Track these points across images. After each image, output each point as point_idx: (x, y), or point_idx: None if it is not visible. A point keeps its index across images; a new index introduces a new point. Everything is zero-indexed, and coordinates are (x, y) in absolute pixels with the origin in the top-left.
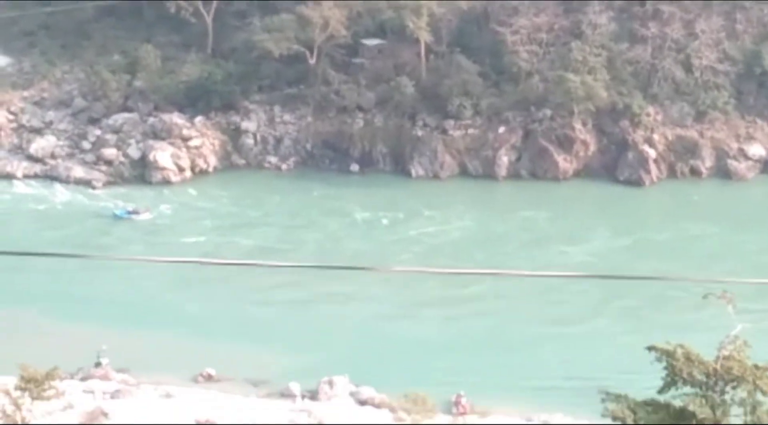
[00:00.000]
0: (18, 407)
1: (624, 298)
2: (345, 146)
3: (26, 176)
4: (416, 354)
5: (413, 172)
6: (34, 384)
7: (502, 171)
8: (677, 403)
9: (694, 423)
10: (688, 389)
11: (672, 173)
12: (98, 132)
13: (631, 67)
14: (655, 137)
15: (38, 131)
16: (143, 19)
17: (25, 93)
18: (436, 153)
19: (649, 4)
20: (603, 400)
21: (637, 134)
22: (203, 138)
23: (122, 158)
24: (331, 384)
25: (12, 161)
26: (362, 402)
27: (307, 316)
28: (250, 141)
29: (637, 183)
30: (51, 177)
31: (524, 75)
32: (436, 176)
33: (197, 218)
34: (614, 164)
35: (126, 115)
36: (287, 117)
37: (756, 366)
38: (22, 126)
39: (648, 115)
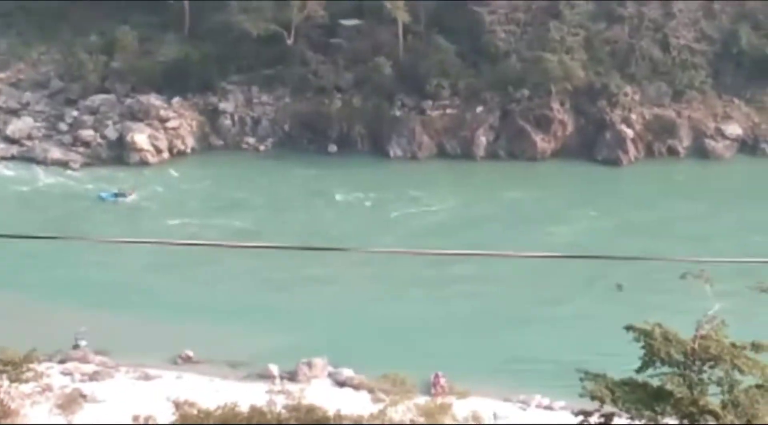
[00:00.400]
0: None
1: (609, 278)
2: (323, 126)
3: (3, 158)
4: (397, 336)
5: (391, 152)
6: (12, 367)
7: (480, 151)
8: (655, 382)
9: (671, 402)
10: (666, 368)
11: (649, 152)
12: (75, 113)
13: (609, 46)
14: (633, 116)
15: (15, 113)
16: (120, 0)
17: (2, 74)
18: (414, 134)
19: None
20: (581, 380)
21: (614, 113)
22: (181, 119)
23: (99, 140)
24: (309, 365)
25: None
26: (341, 384)
27: (288, 298)
28: (227, 122)
29: (615, 163)
30: (28, 159)
31: (502, 55)
32: (414, 157)
33: (179, 200)
34: (592, 144)
35: (103, 96)
36: (265, 98)
37: (733, 345)
38: None
39: (625, 94)
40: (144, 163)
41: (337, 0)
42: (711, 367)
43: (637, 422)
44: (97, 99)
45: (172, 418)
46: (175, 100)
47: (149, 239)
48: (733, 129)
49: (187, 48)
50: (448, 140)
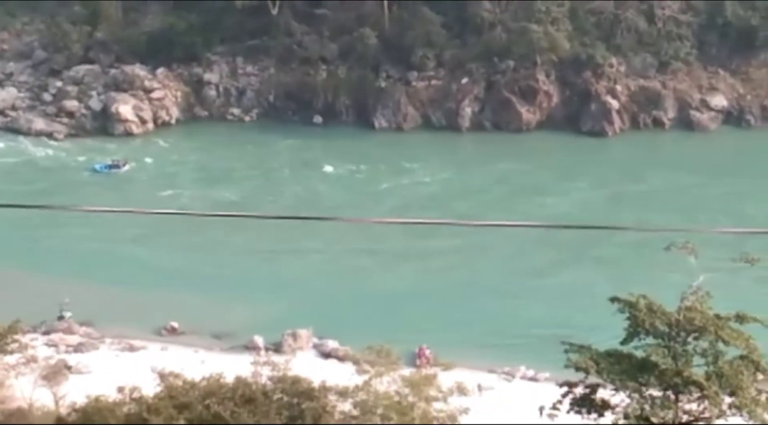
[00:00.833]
0: None
1: (601, 249)
2: (308, 97)
3: None
4: (383, 307)
5: (376, 123)
6: None
7: (466, 123)
8: (639, 354)
9: (656, 373)
10: (650, 339)
11: (635, 124)
12: (59, 84)
13: (594, 17)
14: (618, 88)
15: None
16: None
17: None
18: (399, 105)
19: None
20: (566, 351)
21: (600, 85)
22: (165, 90)
23: (84, 110)
24: (294, 336)
25: None
26: (326, 355)
27: (274, 269)
28: (212, 93)
29: (600, 134)
30: (12, 129)
31: (487, 26)
32: (399, 128)
33: (169, 171)
34: (577, 116)
35: (87, 66)
36: (250, 69)
37: (718, 317)
38: None
39: (611, 66)
40: (128, 134)
41: None
42: (695, 338)
43: (621, 393)
44: (81, 69)
45: (157, 389)
46: (160, 70)
47: (134, 208)
48: (718, 100)
49: (171, 18)
50: (433, 111)
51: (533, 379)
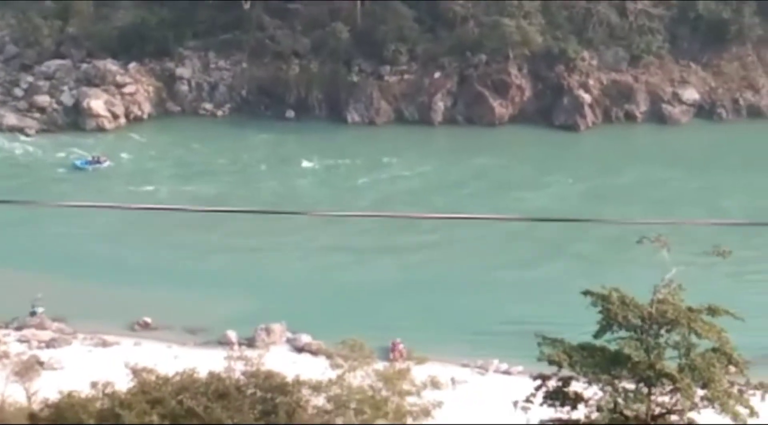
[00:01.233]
0: None
1: (578, 243)
2: (280, 92)
3: None
4: (357, 302)
5: (349, 118)
6: None
7: (438, 117)
8: (612, 347)
9: (628, 366)
10: (623, 333)
11: (607, 117)
12: (30, 79)
13: (566, 11)
14: (590, 81)
15: None
16: None
17: None
18: (371, 99)
19: None
20: (539, 345)
21: (572, 78)
22: (137, 85)
23: (55, 105)
24: (268, 331)
25: None
26: (299, 349)
27: (249, 264)
28: (184, 88)
29: (573, 128)
30: None
31: (459, 20)
32: (371, 122)
33: (146, 167)
34: (549, 109)
35: (59, 61)
36: (222, 63)
37: (690, 309)
38: None
39: (583, 60)
40: (100, 129)
41: None
42: (668, 331)
43: (594, 386)
44: (52, 64)
45: (130, 385)
46: (132, 65)
47: (106, 203)
48: (690, 94)
49: (143, 13)
50: (406, 105)
51: (506, 373)
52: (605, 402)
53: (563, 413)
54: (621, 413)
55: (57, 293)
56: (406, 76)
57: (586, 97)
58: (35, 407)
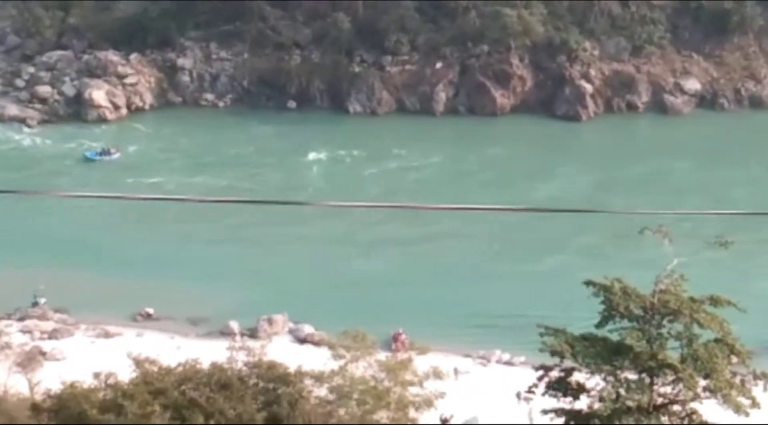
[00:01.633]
0: None
1: (585, 234)
2: (282, 82)
3: None
4: (361, 292)
5: (350, 108)
6: None
7: (440, 107)
8: (615, 337)
9: (630, 356)
10: (625, 323)
11: (608, 108)
12: (32, 70)
13: (568, 1)
14: (592, 72)
15: None
16: None
17: None
18: (373, 89)
19: None
20: (541, 335)
21: (573, 69)
22: (139, 75)
23: (57, 96)
24: (270, 321)
25: None
26: (301, 340)
27: (253, 255)
28: (186, 78)
29: (574, 118)
30: None
31: (461, 10)
32: (373, 113)
33: (152, 158)
34: (551, 100)
35: (60, 52)
36: (223, 54)
37: (692, 300)
38: None
39: (584, 50)
40: (102, 120)
41: None
42: (670, 321)
43: (596, 376)
44: (54, 55)
45: (133, 375)
46: (133, 56)
47: (107, 194)
48: (692, 84)
49: (144, 3)
50: (407, 95)
51: (509, 363)
52: (607, 393)
53: (565, 403)
54: (623, 403)
55: (59, 284)
56: (407, 67)
57: (588, 88)
58: (38, 398)
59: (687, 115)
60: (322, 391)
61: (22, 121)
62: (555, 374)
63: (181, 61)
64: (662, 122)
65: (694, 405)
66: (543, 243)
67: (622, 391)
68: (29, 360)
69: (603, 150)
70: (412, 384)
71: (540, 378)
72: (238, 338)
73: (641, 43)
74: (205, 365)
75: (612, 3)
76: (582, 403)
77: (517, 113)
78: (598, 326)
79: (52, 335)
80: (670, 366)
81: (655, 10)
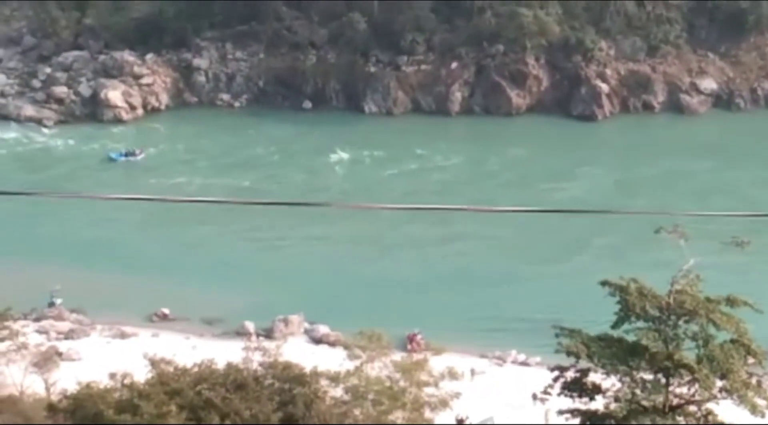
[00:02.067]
0: None
1: (607, 235)
2: (297, 82)
3: None
4: (378, 293)
5: (366, 108)
6: None
7: (455, 107)
8: (630, 338)
9: (646, 357)
10: (641, 323)
11: (624, 107)
12: (48, 70)
13: (584, 1)
14: (608, 71)
15: None
16: None
17: None
18: (389, 89)
19: None
20: (557, 336)
21: (589, 68)
22: (155, 76)
23: (73, 97)
24: (286, 322)
25: None
26: (317, 340)
27: (271, 255)
28: (201, 78)
29: (590, 118)
30: (1, 116)
31: (477, 10)
32: (389, 113)
33: (171, 158)
34: (567, 99)
35: (76, 53)
36: (239, 54)
37: (708, 300)
38: None
39: (600, 50)
40: (118, 120)
41: None
42: (686, 322)
43: (612, 377)
44: (70, 56)
45: (149, 375)
46: (149, 56)
47: (125, 195)
48: (708, 84)
49: (160, 4)
50: (423, 95)
51: (524, 364)
52: (623, 393)
53: (581, 403)
54: (639, 403)
55: (75, 285)
56: (423, 67)
57: (604, 87)
58: (54, 398)
59: (703, 114)
60: (337, 391)
61: (39, 121)
62: (571, 374)
63: (196, 62)
64: (678, 122)
65: (710, 405)
66: (561, 244)
67: (637, 391)
68: (45, 361)
69: (621, 150)
70: (427, 384)
71: (556, 379)
72: (253, 338)
73: (657, 42)
74: (220, 365)
75: (628, 2)
76: (598, 404)
77: (532, 113)
78: (614, 326)
79: (69, 335)
80: (686, 367)
81: (671, 10)
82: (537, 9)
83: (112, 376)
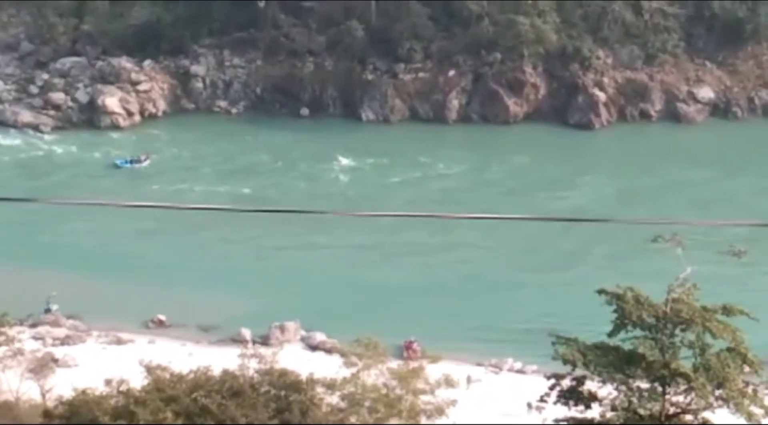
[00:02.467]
0: None
1: (606, 243)
2: (295, 90)
3: None
4: (375, 300)
5: (363, 116)
6: None
7: (453, 115)
8: (627, 346)
9: (643, 365)
10: (637, 332)
11: (622, 116)
12: (46, 76)
13: (581, 10)
14: (605, 80)
15: None
16: None
17: None
18: (386, 97)
19: None
20: (553, 344)
21: (587, 77)
22: (152, 82)
23: (70, 103)
24: (282, 329)
25: None
26: (313, 348)
27: (271, 263)
28: (199, 85)
29: (587, 126)
30: None
31: (474, 18)
32: (386, 120)
33: (174, 164)
34: (564, 108)
35: (74, 59)
36: (237, 61)
37: (705, 309)
38: None
39: (598, 58)
40: (115, 126)
41: None
42: (682, 330)
43: (608, 385)
44: (67, 62)
45: (145, 382)
46: (147, 63)
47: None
48: (705, 93)
49: (158, 10)
50: (420, 103)
51: (520, 372)
52: (619, 401)
53: (577, 412)
54: (635, 412)
55: (71, 291)
56: (420, 74)
57: (601, 96)
58: (50, 404)
59: (700, 123)
60: (333, 399)
61: (36, 127)
62: (567, 383)
63: (194, 68)
64: (675, 131)
65: (706, 414)
66: (559, 252)
67: (634, 400)
68: (41, 367)
69: (619, 159)
70: (423, 392)
71: (552, 387)
72: (249, 345)
73: (654, 51)
74: (216, 372)
75: (625, 11)
76: (594, 412)
77: (529, 121)
78: (611, 334)
79: (65, 341)
80: (683, 375)
81: (668, 19)
82: (534, 17)
83: (108, 382)
